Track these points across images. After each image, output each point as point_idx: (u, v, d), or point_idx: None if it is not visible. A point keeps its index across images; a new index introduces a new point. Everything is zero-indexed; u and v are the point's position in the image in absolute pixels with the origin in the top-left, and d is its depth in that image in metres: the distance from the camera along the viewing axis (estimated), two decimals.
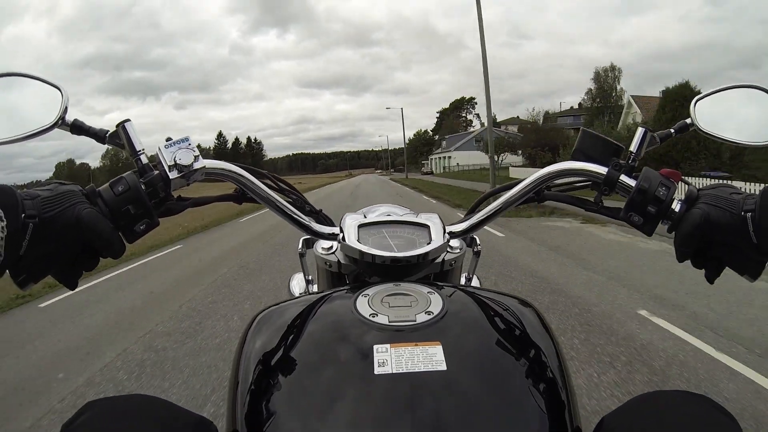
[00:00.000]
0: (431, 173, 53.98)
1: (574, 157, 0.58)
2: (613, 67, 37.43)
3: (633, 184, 0.51)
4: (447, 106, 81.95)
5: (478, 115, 76.54)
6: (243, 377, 0.43)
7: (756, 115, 0.59)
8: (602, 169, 0.54)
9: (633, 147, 0.55)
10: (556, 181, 0.61)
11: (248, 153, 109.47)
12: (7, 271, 0.42)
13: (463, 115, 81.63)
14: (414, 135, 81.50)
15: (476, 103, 79.94)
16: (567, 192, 0.63)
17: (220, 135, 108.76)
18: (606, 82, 37.09)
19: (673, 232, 0.50)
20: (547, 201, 0.63)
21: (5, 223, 0.39)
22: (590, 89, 37.93)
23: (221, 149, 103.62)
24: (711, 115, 0.58)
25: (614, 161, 0.54)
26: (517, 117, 55.67)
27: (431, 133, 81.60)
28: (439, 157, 58.80)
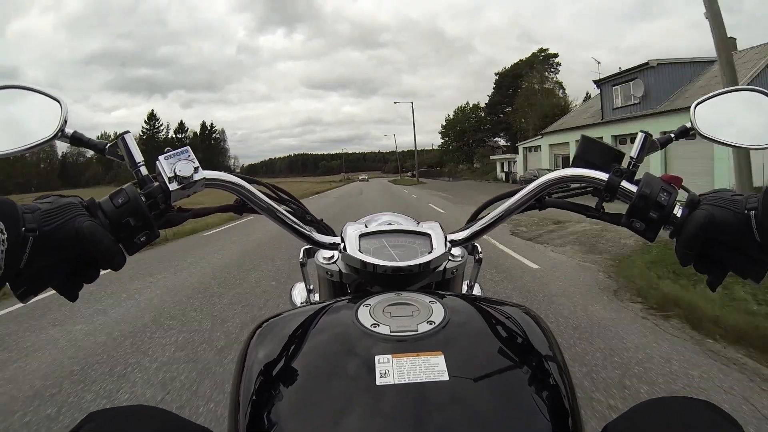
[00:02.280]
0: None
1: (575, 164, 0.57)
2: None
3: (634, 190, 0.51)
4: (502, 69, 48.95)
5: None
6: (245, 388, 0.43)
7: (755, 119, 0.59)
8: (603, 176, 0.54)
9: (633, 152, 0.55)
10: (557, 188, 0.60)
11: (199, 144, 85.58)
12: (7, 283, 0.42)
13: (547, 73, 44.45)
14: (454, 114, 52.91)
15: (558, 63, 45.28)
16: (568, 198, 0.62)
17: (151, 117, 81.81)
18: None
19: (675, 238, 0.50)
20: (549, 208, 0.63)
21: (5, 236, 0.39)
22: None
23: (151, 136, 77.57)
24: (711, 119, 0.58)
25: (615, 167, 0.54)
26: None
27: (483, 112, 50.50)
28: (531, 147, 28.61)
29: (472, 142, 50.36)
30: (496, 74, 50.29)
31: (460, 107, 51.71)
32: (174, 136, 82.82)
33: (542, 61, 45.54)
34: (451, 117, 51.47)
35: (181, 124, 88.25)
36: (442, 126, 46.36)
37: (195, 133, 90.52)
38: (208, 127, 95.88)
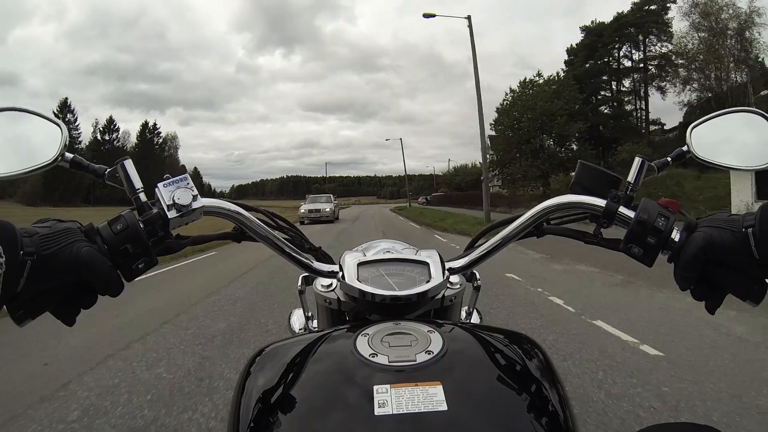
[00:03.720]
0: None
1: (573, 190, 0.58)
2: None
3: (632, 216, 0.51)
4: (598, 22, 32.26)
5: None
6: (243, 415, 0.43)
7: (753, 140, 0.59)
8: (601, 202, 0.54)
9: (630, 177, 0.56)
10: (555, 215, 0.61)
11: (135, 150, 62.99)
12: (5, 306, 0.42)
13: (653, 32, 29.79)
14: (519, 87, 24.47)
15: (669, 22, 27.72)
16: (566, 225, 0.63)
17: (108, 126, 63.42)
18: None
19: (673, 263, 0.50)
20: (547, 234, 0.63)
21: (3, 259, 0.39)
22: None
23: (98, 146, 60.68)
24: (707, 142, 0.59)
25: (612, 193, 0.54)
26: None
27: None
28: None
29: (556, 140, 24.02)
30: (583, 29, 32.90)
31: (527, 80, 24.29)
32: (99, 137, 64.27)
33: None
34: (510, 99, 24.07)
35: (110, 122, 65.16)
36: (493, 121, 24.13)
37: (135, 135, 68.29)
38: (150, 130, 69.48)
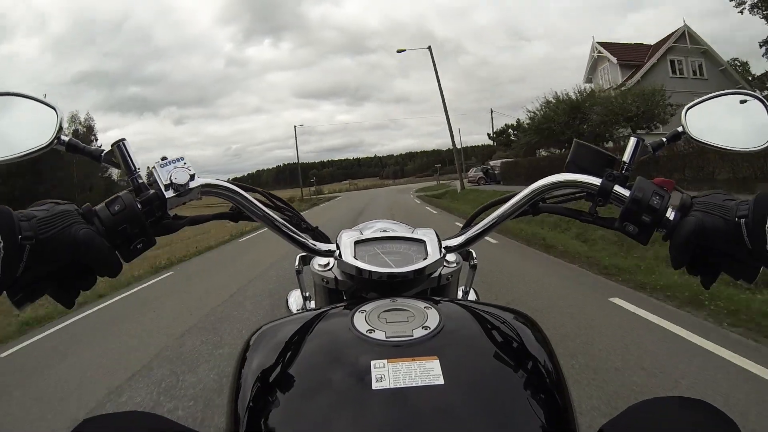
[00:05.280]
0: None
1: (568, 169, 0.58)
2: None
3: (627, 194, 0.52)
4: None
5: None
6: (241, 394, 0.43)
7: (746, 122, 0.60)
8: (596, 181, 0.55)
9: (626, 157, 0.56)
10: (551, 193, 0.61)
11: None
12: (4, 291, 0.42)
13: None
14: None
15: None
16: (562, 204, 0.63)
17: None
18: None
19: (668, 241, 0.50)
20: (543, 213, 0.63)
21: (2, 244, 0.39)
22: None
23: None
24: (702, 123, 0.59)
25: (608, 172, 0.55)
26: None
27: None
28: None
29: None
30: None
31: None
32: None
33: None
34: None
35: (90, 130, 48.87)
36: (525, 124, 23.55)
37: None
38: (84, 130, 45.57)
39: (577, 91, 20.17)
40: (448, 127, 19.59)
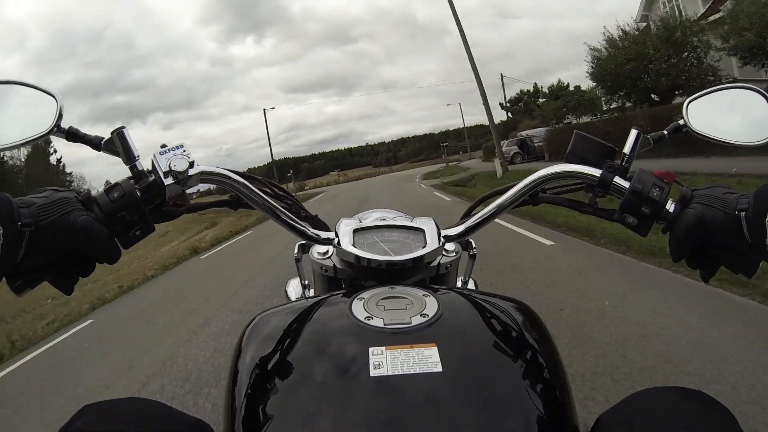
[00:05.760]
0: None
1: (568, 160, 0.58)
2: None
3: (627, 186, 0.52)
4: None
5: None
6: (239, 381, 0.43)
7: (748, 116, 0.60)
8: (596, 172, 0.55)
9: (626, 149, 0.56)
10: (551, 184, 0.61)
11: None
12: (4, 278, 0.42)
13: None
14: None
15: None
16: (562, 194, 0.63)
17: None
18: None
19: (668, 233, 0.50)
20: (542, 203, 0.63)
21: (1, 231, 0.39)
22: None
23: None
24: (704, 116, 0.59)
25: (608, 163, 0.55)
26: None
27: None
28: None
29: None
30: None
31: None
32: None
33: None
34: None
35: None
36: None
37: None
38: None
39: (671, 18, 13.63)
40: (479, 89, 15.74)
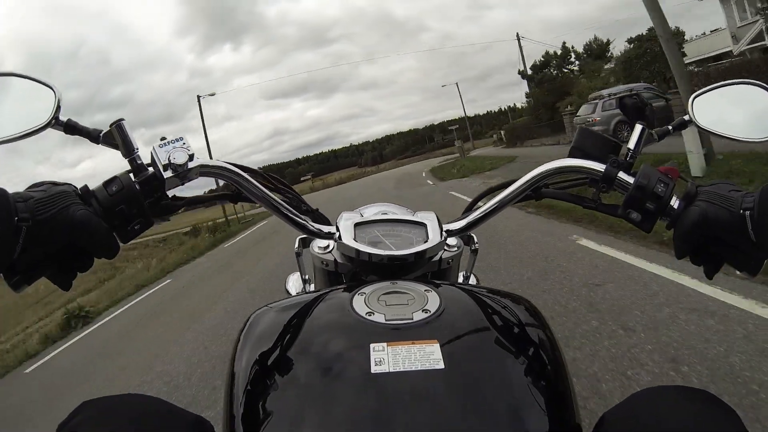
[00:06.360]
0: None
1: (572, 155, 0.57)
2: None
3: (631, 181, 0.51)
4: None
5: None
6: (239, 376, 0.43)
7: (753, 112, 0.59)
8: (600, 167, 0.54)
9: (631, 144, 0.55)
10: (554, 179, 0.60)
11: None
12: (1, 273, 0.42)
13: None
14: None
15: None
16: (565, 189, 0.63)
17: None
18: None
19: (672, 230, 0.50)
20: (545, 198, 0.63)
21: None
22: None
23: None
24: (709, 112, 0.59)
25: (612, 158, 0.54)
26: None
27: None
28: None
29: None
30: None
31: None
32: None
33: None
34: None
35: None
36: None
37: None
38: None
39: None
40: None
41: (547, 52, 27.19)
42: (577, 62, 26.49)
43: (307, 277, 0.77)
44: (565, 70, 26.36)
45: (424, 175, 19.13)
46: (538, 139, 21.13)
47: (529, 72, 26.89)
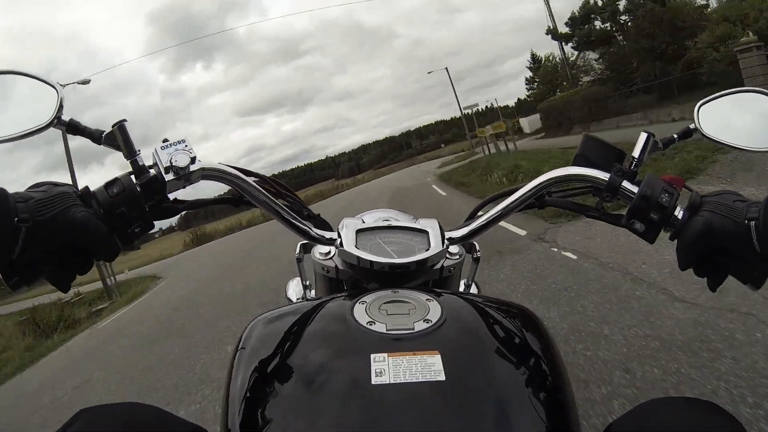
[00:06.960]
0: None
1: (576, 163, 0.57)
2: None
3: (635, 191, 0.51)
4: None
5: None
6: (237, 385, 0.42)
7: (759, 121, 0.59)
8: (604, 175, 0.54)
9: (635, 153, 0.55)
10: (558, 187, 0.60)
11: None
12: (0, 274, 0.42)
13: None
14: None
15: None
16: (568, 197, 0.62)
17: None
18: None
19: (675, 240, 0.49)
20: (548, 207, 0.62)
21: None
22: None
23: None
24: (715, 120, 0.58)
25: (616, 167, 0.53)
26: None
27: None
28: None
29: None
30: None
31: None
32: None
33: None
34: None
35: None
36: None
37: None
38: None
39: None
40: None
41: (587, 1, 18.54)
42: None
43: (307, 282, 0.77)
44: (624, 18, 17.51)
45: (432, 181, 14.28)
46: (613, 119, 13.02)
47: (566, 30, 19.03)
